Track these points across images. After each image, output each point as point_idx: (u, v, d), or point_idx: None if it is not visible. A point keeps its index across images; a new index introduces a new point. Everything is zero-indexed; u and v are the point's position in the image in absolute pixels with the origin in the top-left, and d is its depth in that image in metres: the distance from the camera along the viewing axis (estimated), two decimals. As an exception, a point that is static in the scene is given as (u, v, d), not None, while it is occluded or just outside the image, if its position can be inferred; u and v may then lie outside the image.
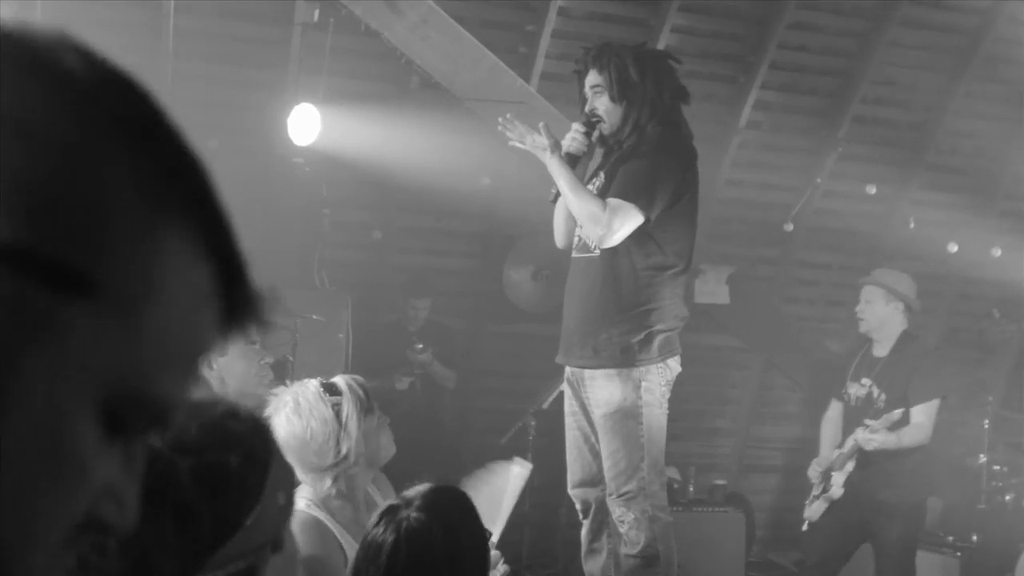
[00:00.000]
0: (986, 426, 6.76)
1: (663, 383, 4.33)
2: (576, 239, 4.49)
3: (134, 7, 6.21)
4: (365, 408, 3.03)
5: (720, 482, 7.43)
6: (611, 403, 4.30)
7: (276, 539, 1.61)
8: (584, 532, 4.59)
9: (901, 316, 5.89)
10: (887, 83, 7.44)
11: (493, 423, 7.05)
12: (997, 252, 7.62)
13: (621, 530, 4.34)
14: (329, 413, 2.98)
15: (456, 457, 6.69)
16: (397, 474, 3.30)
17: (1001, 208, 7.90)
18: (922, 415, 5.67)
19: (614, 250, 4.31)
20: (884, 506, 5.62)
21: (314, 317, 6.12)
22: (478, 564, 2.47)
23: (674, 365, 4.37)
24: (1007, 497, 6.65)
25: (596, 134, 4.43)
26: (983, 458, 6.70)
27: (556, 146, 4.31)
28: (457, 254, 7.49)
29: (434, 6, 5.98)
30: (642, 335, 4.29)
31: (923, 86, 7.51)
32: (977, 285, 7.93)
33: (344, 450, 2.97)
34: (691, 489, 7.30)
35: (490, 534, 2.67)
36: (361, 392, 3.05)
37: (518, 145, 4.39)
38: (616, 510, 4.34)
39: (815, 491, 5.82)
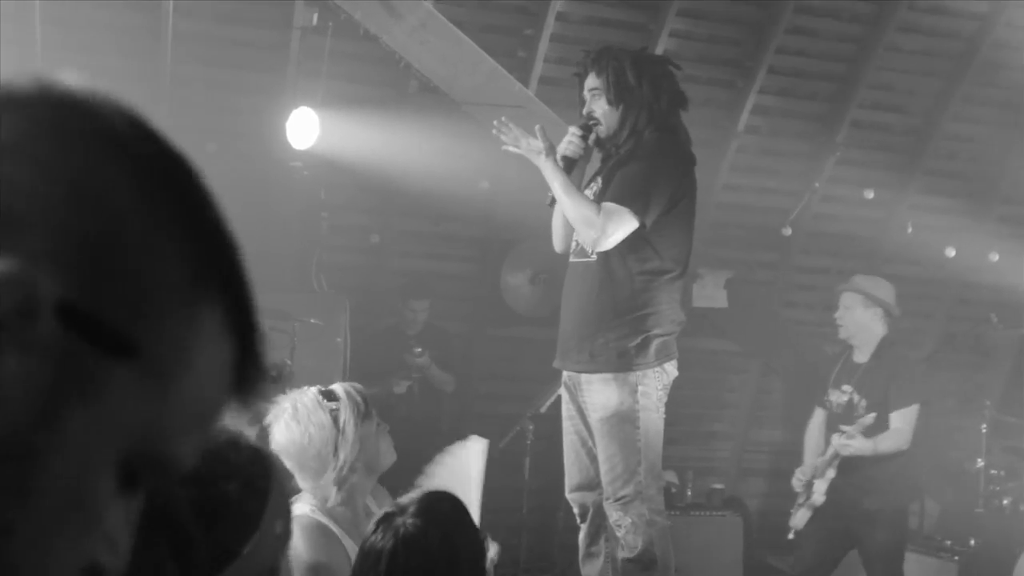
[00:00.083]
0: (984, 430, 6.75)
1: (660, 387, 4.33)
2: (574, 243, 4.50)
3: (133, 10, 6.22)
4: (362, 414, 3.06)
5: (718, 486, 7.44)
6: (608, 407, 4.30)
7: (274, 567, 1.62)
8: (582, 536, 4.59)
9: (880, 322, 5.90)
10: (885, 88, 7.45)
11: (491, 427, 7.03)
12: (995, 257, 7.63)
13: (618, 534, 4.34)
14: (327, 419, 3.01)
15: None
16: (396, 478, 3.31)
17: (999, 213, 7.91)
18: (900, 420, 5.68)
19: (611, 255, 4.31)
20: (867, 513, 5.65)
21: (312, 321, 6.13)
22: (475, 566, 2.50)
23: (671, 369, 4.38)
24: (1005, 501, 6.65)
25: (593, 137, 4.44)
26: (981, 462, 6.70)
27: (551, 150, 4.31)
28: (455, 258, 7.50)
29: (433, 10, 5.99)
30: (638, 339, 4.30)
31: (921, 91, 7.52)
32: (975, 289, 7.94)
33: (342, 455, 3.00)
34: (689, 493, 7.31)
35: (486, 535, 2.70)
36: (359, 398, 3.09)
37: (512, 149, 4.40)
38: (613, 514, 4.34)
39: (799, 499, 5.85)
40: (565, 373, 4.51)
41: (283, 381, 4.33)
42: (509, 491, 6.59)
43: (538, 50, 6.73)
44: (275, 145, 6.26)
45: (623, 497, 4.30)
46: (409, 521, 2.43)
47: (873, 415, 5.59)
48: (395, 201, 7.02)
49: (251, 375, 0.69)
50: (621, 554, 4.35)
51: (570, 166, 4.38)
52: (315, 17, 6.08)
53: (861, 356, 5.91)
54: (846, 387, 5.84)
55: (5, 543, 0.60)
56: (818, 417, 6.02)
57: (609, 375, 4.30)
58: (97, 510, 0.63)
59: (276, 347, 5.41)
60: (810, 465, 5.87)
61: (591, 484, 4.48)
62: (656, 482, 4.38)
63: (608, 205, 4.26)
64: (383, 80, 6.72)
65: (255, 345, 0.68)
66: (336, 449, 3.00)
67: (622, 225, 4.24)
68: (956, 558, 6.42)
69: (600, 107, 4.42)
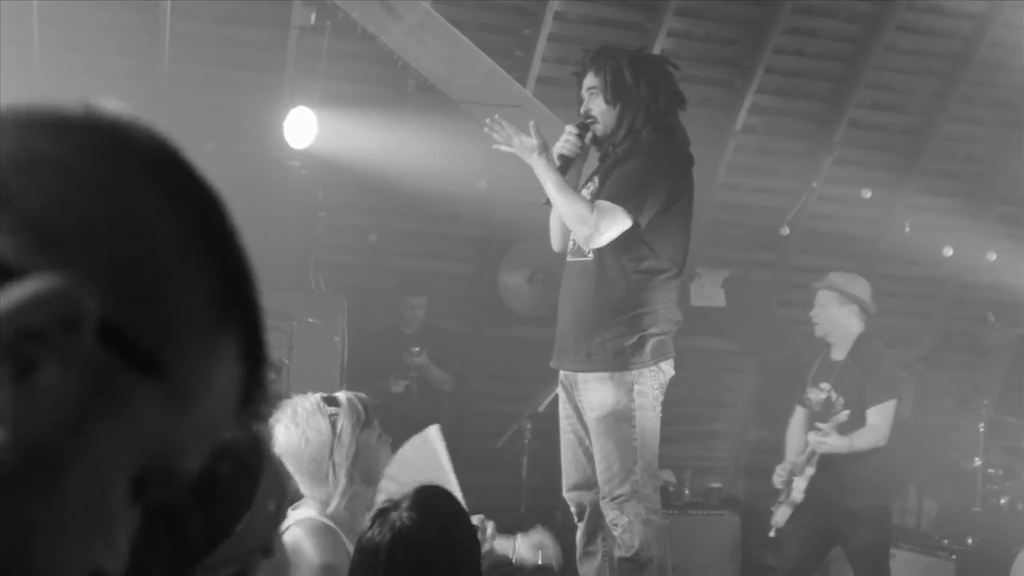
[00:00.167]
0: (981, 429, 6.77)
1: (656, 386, 4.34)
2: (571, 243, 4.50)
3: (131, 10, 6.22)
4: (362, 422, 3.07)
5: (715, 485, 7.45)
6: (604, 406, 4.30)
7: (266, 545, 1.63)
8: (579, 535, 4.60)
9: (856, 319, 5.89)
10: (883, 88, 7.46)
11: (489, 426, 7.06)
12: (992, 256, 7.63)
13: (615, 533, 4.35)
14: (325, 424, 3.02)
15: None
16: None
17: (996, 212, 7.92)
18: (877, 417, 5.68)
19: (607, 254, 4.32)
20: (850, 512, 5.66)
21: (310, 320, 6.13)
22: (471, 557, 2.53)
23: (667, 368, 4.38)
24: (1002, 500, 6.66)
25: (590, 136, 4.44)
26: (978, 461, 6.71)
27: (543, 147, 4.30)
28: (453, 258, 7.50)
29: (431, 10, 5.99)
30: (635, 339, 4.30)
31: (919, 91, 7.53)
32: (972, 289, 7.94)
33: (337, 460, 3.01)
34: (687, 492, 7.32)
35: (482, 532, 2.72)
36: (360, 406, 3.10)
37: (504, 147, 4.40)
38: (610, 513, 4.34)
39: (780, 497, 5.86)
40: (562, 372, 4.52)
41: (281, 381, 4.34)
42: (507, 490, 6.60)
43: (536, 50, 6.74)
44: (273, 144, 6.26)
45: (619, 496, 4.30)
46: (405, 515, 2.45)
47: (847, 412, 5.60)
48: (393, 200, 7.02)
49: (255, 398, 0.73)
50: (618, 553, 4.36)
51: (567, 164, 4.38)
52: (313, 16, 6.08)
53: (838, 354, 5.90)
54: (824, 385, 5.85)
55: (27, 542, 0.63)
56: (798, 415, 6.03)
57: (605, 374, 4.31)
58: (111, 518, 0.67)
59: (274, 347, 5.41)
60: (790, 462, 5.89)
61: (588, 483, 4.48)
62: (652, 481, 4.38)
63: (602, 203, 4.26)
64: (381, 79, 6.72)
65: (263, 372, 0.73)
66: (331, 452, 3.01)
67: (616, 223, 4.25)
68: (953, 557, 6.43)
69: (597, 106, 4.42)
